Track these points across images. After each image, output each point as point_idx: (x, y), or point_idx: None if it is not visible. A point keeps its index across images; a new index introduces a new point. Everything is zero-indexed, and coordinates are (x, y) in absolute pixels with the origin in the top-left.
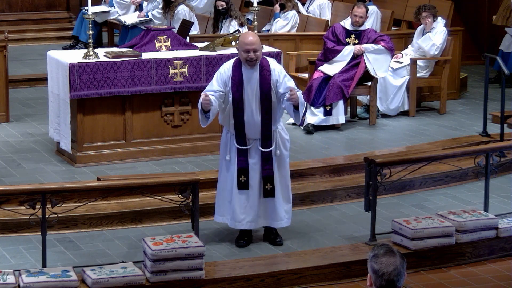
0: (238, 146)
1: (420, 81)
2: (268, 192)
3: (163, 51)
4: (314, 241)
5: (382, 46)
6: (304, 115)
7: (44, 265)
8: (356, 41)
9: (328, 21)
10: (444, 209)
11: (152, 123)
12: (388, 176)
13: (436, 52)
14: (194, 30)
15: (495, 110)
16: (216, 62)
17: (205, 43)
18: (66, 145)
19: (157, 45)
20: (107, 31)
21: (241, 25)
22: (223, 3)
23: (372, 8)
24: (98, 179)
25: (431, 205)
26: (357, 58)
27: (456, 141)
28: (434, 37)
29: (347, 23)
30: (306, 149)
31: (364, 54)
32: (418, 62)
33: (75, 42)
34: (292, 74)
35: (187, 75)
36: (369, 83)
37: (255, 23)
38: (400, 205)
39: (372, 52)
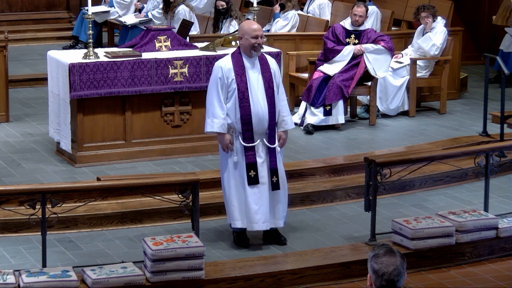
0: (245, 144)
1: (420, 81)
2: (275, 184)
3: (163, 51)
4: (314, 241)
5: (382, 46)
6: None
7: (44, 265)
8: (356, 41)
9: (328, 21)
10: (444, 209)
11: (152, 123)
12: (388, 176)
13: (436, 52)
14: (194, 30)
15: (495, 110)
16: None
17: (205, 43)
18: (66, 145)
19: (157, 45)
20: (107, 31)
21: None
22: (223, 3)
23: (372, 8)
24: (98, 179)
25: (431, 205)
26: (357, 58)
27: (456, 141)
28: (434, 37)
29: (347, 23)
30: (306, 149)
31: (364, 54)
32: (418, 62)
33: (75, 42)
34: (292, 74)
35: (187, 75)
36: (369, 83)
37: None
38: (400, 205)
39: (372, 52)
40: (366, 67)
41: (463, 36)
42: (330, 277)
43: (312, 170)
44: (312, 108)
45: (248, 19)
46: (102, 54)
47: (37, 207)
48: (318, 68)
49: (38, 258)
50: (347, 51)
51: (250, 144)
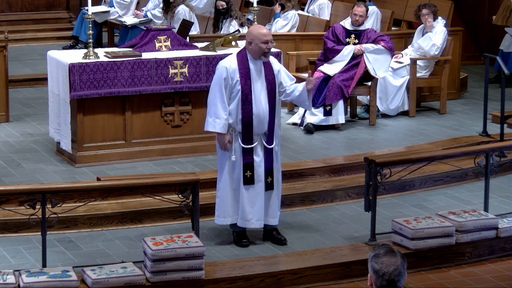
0: (244, 146)
1: (420, 81)
2: (269, 184)
3: (163, 51)
4: (314, 241)
5: (382, 46)
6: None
7: (44, 265)
8: (356, 41)
9: (328, 21)
10: (444, 209)
11: (152, 123)
12: (388, 176)
13: (436, 52)
14: (194, 30)
15: (495, 110)
16: (216, 62)
17: (205, 43)
18: (66, 145)
19: (157, 45)
20: (107, 31)
21: (241, 25)
22: (223, 3)
23: (372, 8)
24: (98, 179)
25: (431, 205)
26: (357, 58)
27: (456, 141)
28: (434, 37)
29: (347, 23)
30: (306, 149)
31: (364, 54)
32: (418, 62)
33: (75, 42)
34: (292, 74)
35: (187, 75)
36: (369, 83)
37: (255, 23)
38: (400, 205)
39: (372, 52)
40: (366, 67)
41: (463, 36)
42: (330, 277)
43: (312, 170)
44: (312, 108)
45: (248, 19)
46: (102, 54)
47: (37, 207)
48: (318, 68)
49: (38, 258)
50: (347, 51)
51: (249, 146)
